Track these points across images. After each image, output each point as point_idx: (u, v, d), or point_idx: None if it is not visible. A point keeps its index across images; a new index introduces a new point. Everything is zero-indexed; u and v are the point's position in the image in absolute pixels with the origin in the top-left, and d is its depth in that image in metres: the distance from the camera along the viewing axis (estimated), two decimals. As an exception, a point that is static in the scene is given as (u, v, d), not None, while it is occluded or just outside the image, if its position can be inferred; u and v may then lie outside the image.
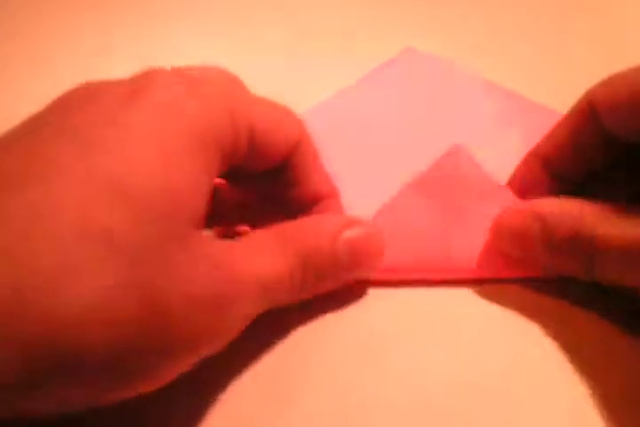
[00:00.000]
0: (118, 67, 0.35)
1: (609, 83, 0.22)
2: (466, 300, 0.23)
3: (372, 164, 0.28)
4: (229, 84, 0.20)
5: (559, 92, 0.30)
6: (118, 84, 0.18)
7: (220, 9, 0.39)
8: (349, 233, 0.21)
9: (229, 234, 0.25)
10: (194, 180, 0.17)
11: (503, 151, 0.28)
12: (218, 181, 0.23)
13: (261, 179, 0.22)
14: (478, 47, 0.35)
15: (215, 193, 0.22)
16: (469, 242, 0.24)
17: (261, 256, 0.19)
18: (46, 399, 0.15)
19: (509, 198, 0.25)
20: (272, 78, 0.33)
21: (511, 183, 0.25)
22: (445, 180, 0.25)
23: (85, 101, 0.18)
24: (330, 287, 0.22)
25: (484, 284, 0.24)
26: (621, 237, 0.20)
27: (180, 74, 0.19)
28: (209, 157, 0.18)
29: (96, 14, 0.39)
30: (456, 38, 0.35)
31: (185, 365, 0.17)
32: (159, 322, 0.16)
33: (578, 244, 0.21)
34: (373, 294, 0.23)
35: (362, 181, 0.27)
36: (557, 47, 0.34)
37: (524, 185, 0.25)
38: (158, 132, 0.17)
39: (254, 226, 0.24)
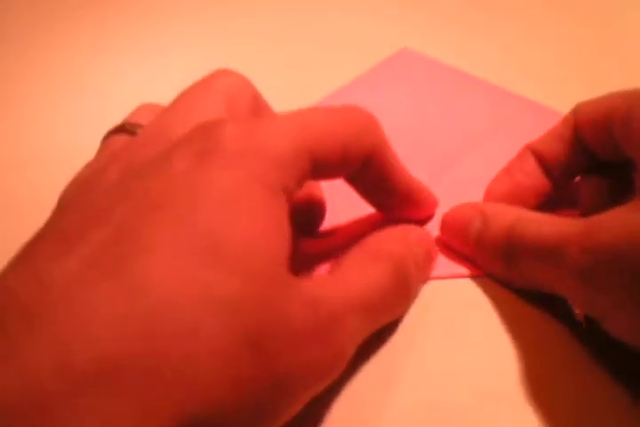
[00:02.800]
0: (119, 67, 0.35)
1: (593, 101, 0.24)
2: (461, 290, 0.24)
3: None
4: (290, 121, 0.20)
5: (555, 90, 0.31)
6: (178, 146, 0.18)
7: (216, 10, 0.39)
8: (414, 236, 0.23)
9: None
10: (278, 224, 0.18)
11: (498, 150, 0.28)
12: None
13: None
14: (473, 48, 0.35)
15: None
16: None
17: (357, 277, 0.20)
18: None
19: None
20: (268, 79, 0.33)
21: (507, 171, 0.26)
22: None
23: (155, 168, 0.18)
24: (417, 293, 0.23)
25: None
26: (536, 236, 0.21)
27: (235, 124, 0.19)
28: (280, 202, 0.18)
29: (96, 16, 0.39)
30: (451, 40, 0.36)
31: (301, 403, 0.18)
32: (272, 366, 0.16)
33: (505, 243, 0.22)
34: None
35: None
36: (553, 47, 0.35)
37: (519, 175, 0.26)
38: (234, 189, 0.17)
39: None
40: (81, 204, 0.18)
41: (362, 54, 0.34)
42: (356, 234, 0.24)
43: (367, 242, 0.22)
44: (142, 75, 0.35)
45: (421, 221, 0.26)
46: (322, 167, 0.20)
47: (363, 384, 0.21)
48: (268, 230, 0.17)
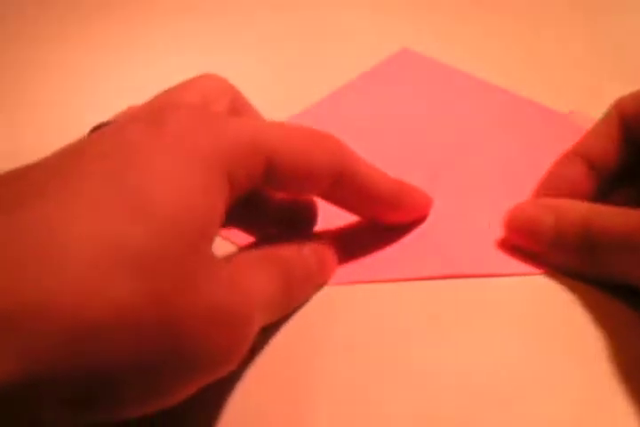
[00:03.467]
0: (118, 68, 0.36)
1: (637, 92, 0.24)
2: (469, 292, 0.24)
3: None
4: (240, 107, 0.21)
5: (555, 91, 0.31)
6: (136, 120, 0.19)
7: (216, 9, 0.39)
8: (310, 245, 0.23)
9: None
10: (211, 202, 0.17)
11: (499, 150, 0.28)
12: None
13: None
14: (474, 49, 0.35)
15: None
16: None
17: (258, 275, 0.20)
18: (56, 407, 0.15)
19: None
20: (267, 79, 0.33)
21: (549, 180, 0.26)
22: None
23: (111, 133, 0.18)
24: (308, 296, 0.23)
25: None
26: (620, 228, 0.21)
27: (196, 109, 0.19)
28: (220, 186, 0.18)
29: (95, 15, 0.39)
30: (452, 40, 0.36)
31: (200, 383, 0.17)
32: (177, 335, 0.16)
33: (584, 237, 0.22)
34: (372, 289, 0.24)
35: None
36: (554, 48, 0.35)
37: (564, 182, 0.25)
38: (175, 158, 0.17)
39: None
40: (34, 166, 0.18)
41: (362, 54, 0.34)
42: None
43: (262, 246, 0.22)
44: (142, 75, 0.35)
45: (417, 221, 0.25)
46: (281, 175, 0.20)
47: (363, 384, 0.21)
48: (199, 203, 0.17)
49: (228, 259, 0.20)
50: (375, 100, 0.31)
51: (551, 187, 0.25)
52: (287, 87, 0.32)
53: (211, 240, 0.17)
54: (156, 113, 0.19)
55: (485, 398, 0.21)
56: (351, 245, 0.25)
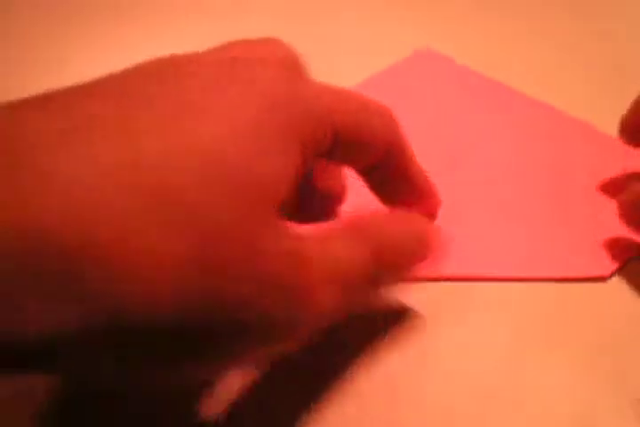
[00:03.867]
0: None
1: None
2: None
3: None
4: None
5: (574, 96, 0.31)
6: (219, 63, 0.18)
7: (227, 10, 0.39)
8: (418, 226, 0.21)
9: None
10: (283, 165, 0.16)
11: (509, 151, 0.28)
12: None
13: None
14: (492, 50, 0.35)
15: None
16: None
17: (338, 246, 0.18)
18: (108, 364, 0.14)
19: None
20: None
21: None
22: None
23: (185, 67, 0.17)
24: (398, 280, 0.21)
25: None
26: None
27: (281, 64, 0.19)
28: (296, 150, 0.17)
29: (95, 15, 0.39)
30: (470, 41, 0.35)
31: (250, 356, 0.16)
32: (232, 301, 0.15)
33: None
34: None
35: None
36: (573, 51, 0.34)
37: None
38: (251, 113, 0.16)
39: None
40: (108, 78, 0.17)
41: (377, 56, 0.34)
42: None
43: (360, 217, 0.20)
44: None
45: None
46: (344, 145, 0.19)
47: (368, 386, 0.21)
48: (274, 164, 0.16)
49: (320, 227, 0.19)
50: (390, 96, 0.31)
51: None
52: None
53: (279, 205, 0.16)
54: (247, 61, 0.18)
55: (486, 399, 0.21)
56: None
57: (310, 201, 0.23)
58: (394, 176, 0.22)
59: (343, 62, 0.34)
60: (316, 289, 0.16)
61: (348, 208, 0.24)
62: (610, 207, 0.25)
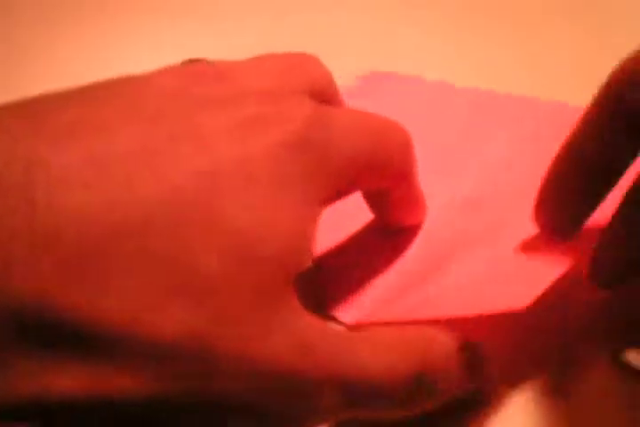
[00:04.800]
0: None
1: None
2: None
3: None
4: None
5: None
6: (256, 101, 0.16)
7: (224, 9, 0.39)
8: (468, 351, 0.18)
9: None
10: (300, 231, 0.15)
11: (501, 151, 0.27)
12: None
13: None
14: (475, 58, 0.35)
15: None
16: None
17: (379, 354, 0.16)
18: None
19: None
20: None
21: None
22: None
23: (215, 103, 0.16)
24: (430, 407, 0.18)
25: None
26: None
27: (316, 111, 0.17)
28: (320, 203, 0.16)
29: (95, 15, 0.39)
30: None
31: None
32: (215, 387, 0.13)
33: None
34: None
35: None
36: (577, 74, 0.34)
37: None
38: (272, 173, 0.15)
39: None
40: (122, 83, 0.16)
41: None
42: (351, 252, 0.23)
43: (407, 327, 0.18)
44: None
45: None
46: (362, 179, 0.19)
47: None
48: (295, 222, 0.15)
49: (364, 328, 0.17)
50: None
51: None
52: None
53: (296, 266, 0.15)
54: (276, 105, 0.16)
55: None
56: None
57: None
58: (399, 199, 0.22)
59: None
60: (323, 388, 0.15)
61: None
62: None
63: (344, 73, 0.33)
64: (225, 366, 0.13)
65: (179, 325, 0.13)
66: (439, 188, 0.25)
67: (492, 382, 0.20)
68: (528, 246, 0.22)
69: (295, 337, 0.14)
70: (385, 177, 0.20)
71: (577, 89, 0.32)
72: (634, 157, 0.19)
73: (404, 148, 0.20)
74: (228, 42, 0.37)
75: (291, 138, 0.16)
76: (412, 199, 0.22)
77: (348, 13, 0.38)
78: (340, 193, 0.18)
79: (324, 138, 0.17)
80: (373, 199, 0.22)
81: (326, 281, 0.23)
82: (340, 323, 0.22)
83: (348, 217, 0.24)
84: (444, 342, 0.18)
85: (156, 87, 0.16)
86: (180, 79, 0.16)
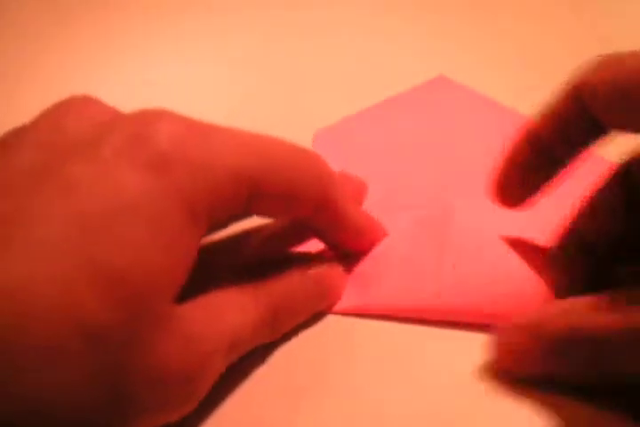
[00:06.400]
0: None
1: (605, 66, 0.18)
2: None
3: (381, 189, 0.27)
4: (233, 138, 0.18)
5: None
6: (112, 130, 0.17)
7: (237, 21, 0.39)
8: (314, 270, 0.22)
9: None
10: (177, 253, 0.16)
11: None
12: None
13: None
14: (510, 77, 0.34)
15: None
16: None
17: (232, 313, 0.19)
18: None
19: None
20: (298, 94, 0.33)
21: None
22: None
23: (81, 147, 0.16)
24: (297, 323, 0.22)
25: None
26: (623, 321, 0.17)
27: (179, 122, 0.17)
28: (196, 228, 0.17)
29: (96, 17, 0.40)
30: (492, 67, 0.35)
31: (155, 423, 0.17)
32: (126, 403, 0.16)
33: (578, 341, 0.18)
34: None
35: (371, 206, 0.26)
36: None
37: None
38: (146, 197, 0.16)
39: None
40: None
41: (395, 82, 0.34)
42: None
43: (257, 276, 0.20)
44: (140, 81, 0.35)
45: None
46: (263, 203, 0.19)
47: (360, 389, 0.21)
48: (166, 253, 0.16)
49: (203, 294, 0.19)
50: (401, 122, 0.31)
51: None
52: (316, 103, 0.33)
53: (172, 293, 0.17)
54: (135, 125, 0.17)
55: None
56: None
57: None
58: (327, 224, 0.22)
59: (360, 84, 0.34)
60: (209, 367, 0.18)
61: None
62: None
63: (344, 72, 0.34)
64: (122, 376, 0.15)
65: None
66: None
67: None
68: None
69: (179, 337, 0.17)
70: (293, 206, 0.20)
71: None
72: (581, 142, 0.20)
73: (317, 179, 0.20)
74: (229, 42, 0.37)
75: (155, 158, 0.16)
76: (345, 228, 0.22)
77: (349, 13, 0.39)
78: (231, 216, 0.18)
79: (196, 155, 0.17)
80: (303, 225, 0.22)
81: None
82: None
83: None
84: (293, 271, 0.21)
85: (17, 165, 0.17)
86: (39, 154, 0.17)
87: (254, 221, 0.24)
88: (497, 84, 0.33)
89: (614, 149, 0.21)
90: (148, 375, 0.16)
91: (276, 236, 0.25)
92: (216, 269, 0.21)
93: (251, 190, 0.18)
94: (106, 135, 0.17)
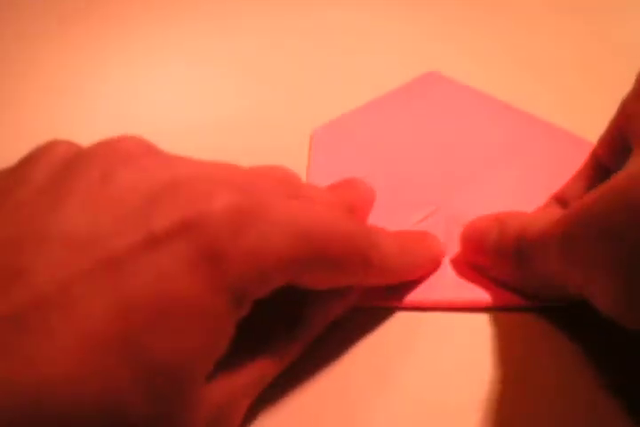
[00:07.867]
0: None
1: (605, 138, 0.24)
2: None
3: (380, 185, 0.27)
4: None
5: (588, 120, 0.29)
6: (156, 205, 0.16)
7: (234, 21, 0.39)
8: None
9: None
10: (218, 338, 0.16)
11: (517, 175, 0.28)
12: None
13: None
14: (504, 71, 0.35)
15: None
16: None
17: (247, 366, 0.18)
18: None
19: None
20: (296, 91, 0.34)
21: None
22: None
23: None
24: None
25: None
26: (539, 229, 0.20)
27: (233, 192, 0.17)
28: (240, 308, 0.17)
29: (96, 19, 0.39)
30: (483, 63, 0.35)
31: None
32: None
33: (517, 246, 0.21)
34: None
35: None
36: (590, 76, 0.34)
37: None
38: (196, 290, 0.15)
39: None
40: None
41: (388, 74, 0.34)
42: None
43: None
44: (140, 84, 0.35)
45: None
46: (303, 281, 0.18)
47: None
48: (208, 339, 0.16)
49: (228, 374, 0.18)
50: (397, 118, 0.31)
51: None
52: (313, 101, 0.33)
53: (210, 369, 0.16)
54: (183, 198, 0.16)
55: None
56: None
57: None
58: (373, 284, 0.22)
59: (356, 82, 0.34)
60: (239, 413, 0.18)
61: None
62: None
63: (342, 71, 0.35)
64: None
65: None
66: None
67: None
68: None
69: (206, 413, 0.17)
70: (335, 283, 0.20)
71: (577, 87, 0.32)
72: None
73: (362, 264, 0.19)
74: (229, 43, 0.37)
75: (209, 247, 0.15)
76: (391, 281, 0.22)
77: (345, 12, 0.39)
78: (272, 289, 0.18)
79: (249, 243, 0.16)
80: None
81: None
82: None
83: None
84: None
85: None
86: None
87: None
88: (491, 82, 0.33)
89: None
90: None
91: None
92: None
93: (297, 275, 0.18)
94: (156, 206, 0.16)
